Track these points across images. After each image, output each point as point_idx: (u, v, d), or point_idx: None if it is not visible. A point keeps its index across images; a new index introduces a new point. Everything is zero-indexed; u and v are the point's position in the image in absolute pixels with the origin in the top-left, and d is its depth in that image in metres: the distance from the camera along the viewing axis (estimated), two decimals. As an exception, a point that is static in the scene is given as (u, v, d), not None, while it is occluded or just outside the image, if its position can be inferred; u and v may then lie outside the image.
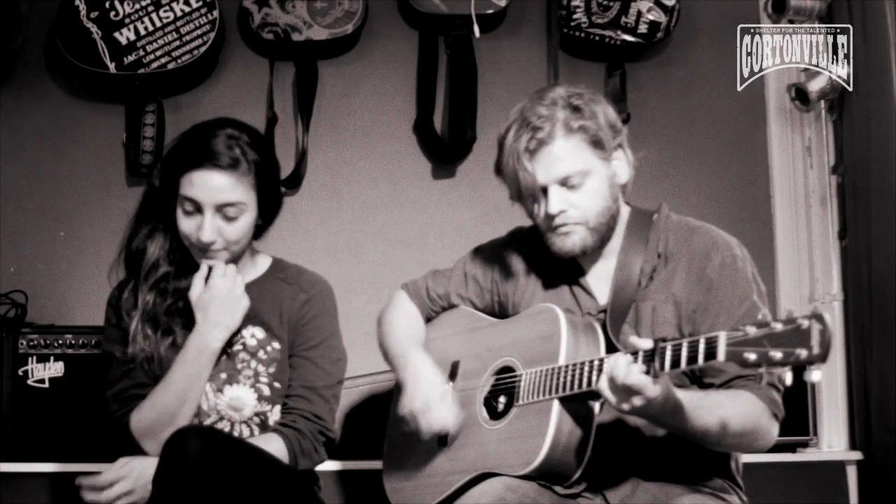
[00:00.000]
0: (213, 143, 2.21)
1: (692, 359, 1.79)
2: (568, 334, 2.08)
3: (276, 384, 2.30)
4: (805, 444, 3.20)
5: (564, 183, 2.10)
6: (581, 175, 2.10)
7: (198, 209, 2.21)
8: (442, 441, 2.24)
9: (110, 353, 2.31)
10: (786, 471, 3.12)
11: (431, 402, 2.18)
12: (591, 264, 2.22)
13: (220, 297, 2.25)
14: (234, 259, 2.31)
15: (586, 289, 2.20)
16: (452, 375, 2.31)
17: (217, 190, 2.20)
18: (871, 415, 3.29)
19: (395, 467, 2.35)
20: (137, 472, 2.13)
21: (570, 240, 2.13)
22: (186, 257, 2.30)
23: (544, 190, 2.11)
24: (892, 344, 3.21)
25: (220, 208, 2.21)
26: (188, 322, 2.28)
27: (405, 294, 2.45)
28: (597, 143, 2.11)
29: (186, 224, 2.24)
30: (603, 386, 1.88)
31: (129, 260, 2.32)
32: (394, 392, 2.45)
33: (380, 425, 2.45)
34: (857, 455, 3.29)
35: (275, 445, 2.22)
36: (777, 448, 2.32)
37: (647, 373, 1.82)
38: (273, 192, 2.32)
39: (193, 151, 2.22)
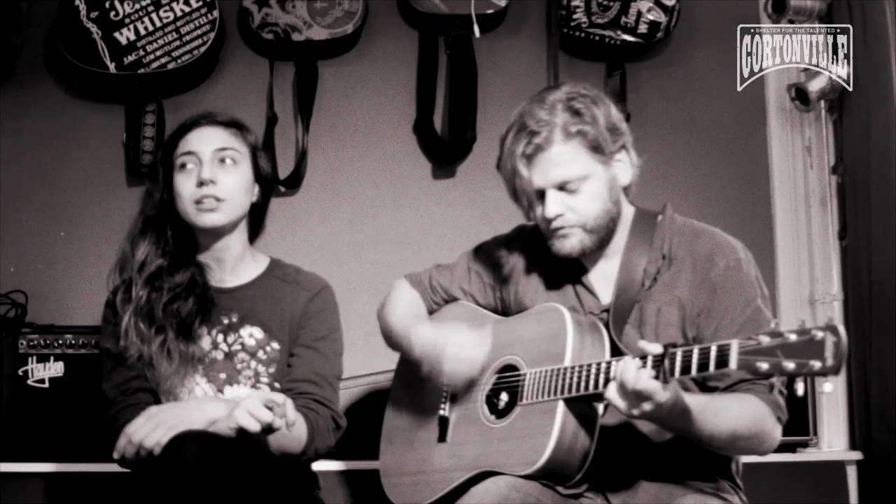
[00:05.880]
0: (208, 110, 2.31)
1: (703, 366, 1.79)
2: (573, 335, 2.06)
3: (277, 384, 2.29)
4: (805, 444, 3.20)
5: (562, 187, 2.09)
6: (579, 180, 2.09)
7: (195, 162, 2.25)
8: (442, 437, 2.24)
9: (105, 347, 2.29)
10: (786, 471, 3.12)
11: (464, 351, 2.16)
12: (593, 263, 2.21)
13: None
14: (229, 226, 2.29)
15: (589, 287, 2.20)
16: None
17: (214, 139, 2.27)
18: (871, 415, 3.29)
19: (394, 464, 2.35)
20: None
21: (569, 242, 2.13)
22: (179, 250, 2.29)
23: (542, 193, 2.11)
24: (892, 344, 3.21)
25: (218, 154, 2.25)
26: (181, 324, 2.26)
27: (407, 282, 2.45)
28: (596, 148, 2.10)
29: (183, 182, 2.25)
30: (612, 391, 1.87)
31: (124, 258, 2.31)
32: (391, 388, 2.45)
33: (380, 425, 2.44)
34: (857, 455, 3.29)
35: (297, 422, 2.15)
36: (777, 448, 2.31)
37: (657, 378, 1.81)
38: (266, 162, 2.35)
39: (188, 121, 2.30)
